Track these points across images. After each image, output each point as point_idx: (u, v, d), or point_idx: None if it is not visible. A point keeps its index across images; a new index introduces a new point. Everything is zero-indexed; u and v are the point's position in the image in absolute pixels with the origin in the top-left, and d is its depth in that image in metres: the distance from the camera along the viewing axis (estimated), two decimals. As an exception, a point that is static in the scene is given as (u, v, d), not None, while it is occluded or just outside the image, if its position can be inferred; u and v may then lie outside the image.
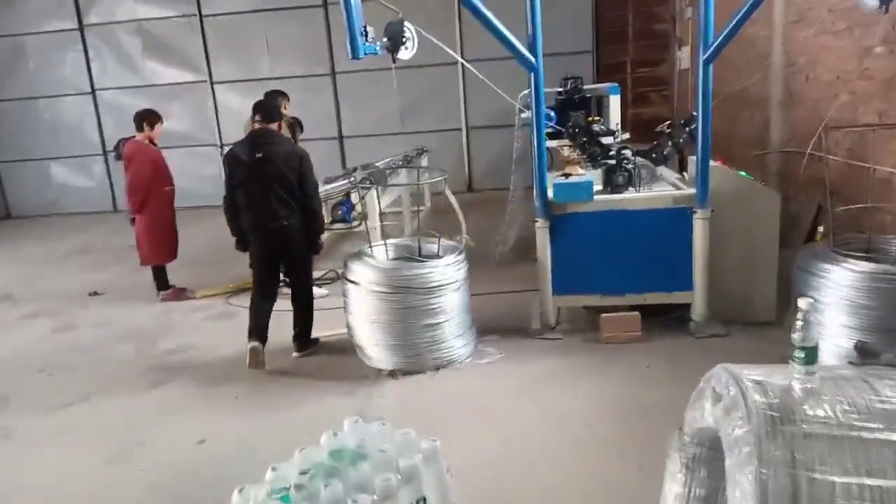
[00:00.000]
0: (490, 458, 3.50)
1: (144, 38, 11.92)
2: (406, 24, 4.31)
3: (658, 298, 4.88)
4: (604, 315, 4.82)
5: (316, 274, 5.86)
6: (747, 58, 7.11)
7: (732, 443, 1.81)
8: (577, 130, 5.83)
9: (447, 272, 4.55)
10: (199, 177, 11.51)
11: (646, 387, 4.12)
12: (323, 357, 4.99)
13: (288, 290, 5.12)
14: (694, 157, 4.86)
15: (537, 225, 4.87)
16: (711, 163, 4.66)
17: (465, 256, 4.76)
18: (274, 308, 4.94)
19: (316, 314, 5.06)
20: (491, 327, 5.11)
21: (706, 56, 4.48)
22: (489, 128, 11.18)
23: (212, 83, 11.96)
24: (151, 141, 6.56)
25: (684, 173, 5.59)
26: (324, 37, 11.49)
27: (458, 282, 4.61)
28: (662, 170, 5.45)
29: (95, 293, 7.10)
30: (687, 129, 5.34)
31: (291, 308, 5.02)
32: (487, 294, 5.59)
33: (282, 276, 5.25)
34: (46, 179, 12.65)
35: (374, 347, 4.57)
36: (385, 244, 4.94)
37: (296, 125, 6.59)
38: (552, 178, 4.97)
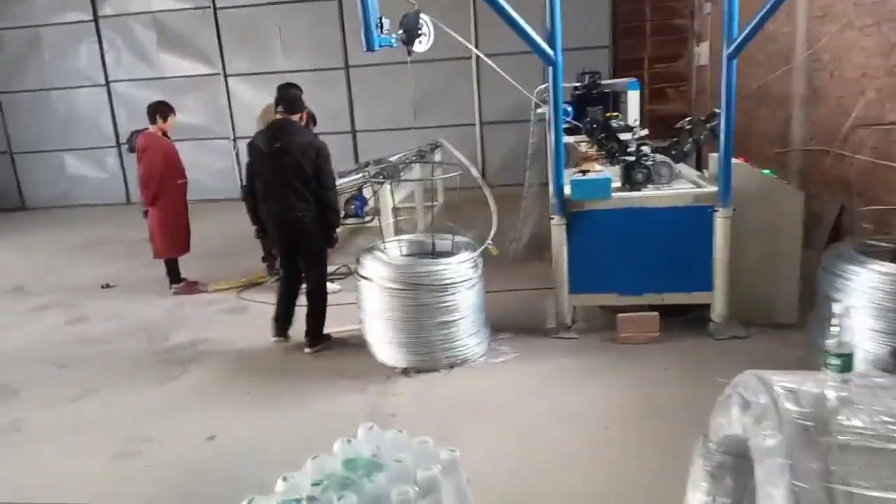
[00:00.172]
0: (503, 457, 3.45)
1: (159, 30, 11.92)
2: (422, 16, 4.25)
3: (676, 298, 4.79)
4: (621, 315, 4.74)
5: (328, 269, 5.81)
6: (767, 53, 6.97)
7: (764, 453, 1.74)
8: (594, 126, 5.72)
9: (461, 269, 4.48)
10: (211, 170, 11.56)
11: (663, 388, 4.05)
12: (335, 353, 4.94)
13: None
14: (714, 155, 4.76)
15: (553, 222, 4.79)
16: (734, 160, 4.56)
17: (480, 254, 4.69)
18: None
19: (328, 310, 5.01)
20: (505, 325, 5.04)
21: (730, 51, 4.38)
22: (503, 123, 11.13)
23: (225, 76, 11.93)
24: (164, 133, 6.53)
25: (704, 171, 5.49)
26: (337, 30, 11.44)
27: (473, 279, 4.54)
28: (682, 167, 5.35)
29: (108, 285, 7.08)
30: (708, 125, 5.23)
31: (305, 303, 4.98)
32: (501, 291, 5.52)
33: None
34: (60, 171, 12.69)
35: (387, 345, 4.53)
36: (398, 240, 4.88)
37: (310, 118, 6.54)
38: (569, 175, 4.90)
